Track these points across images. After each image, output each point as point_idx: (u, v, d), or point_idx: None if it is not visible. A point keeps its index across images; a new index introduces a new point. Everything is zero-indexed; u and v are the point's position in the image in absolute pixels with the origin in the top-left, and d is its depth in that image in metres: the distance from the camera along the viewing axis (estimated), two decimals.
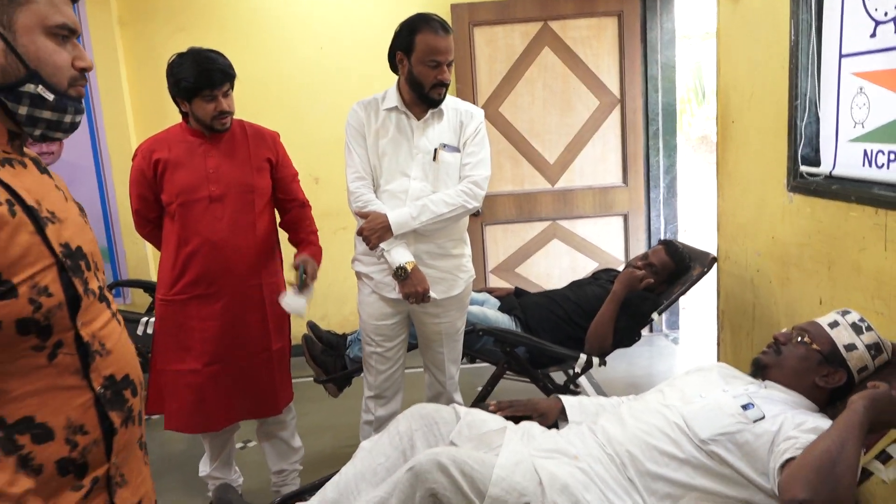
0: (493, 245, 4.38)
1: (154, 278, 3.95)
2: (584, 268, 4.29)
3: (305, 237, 2.52)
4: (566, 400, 2.02)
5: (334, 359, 2.93)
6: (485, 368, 3.30)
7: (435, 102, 2.29)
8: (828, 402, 1.79)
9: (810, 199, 2.43)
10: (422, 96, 2.27)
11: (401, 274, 2.25)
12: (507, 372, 2.90)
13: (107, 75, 4.10)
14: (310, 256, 2.47)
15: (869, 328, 1.76)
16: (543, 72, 4.18)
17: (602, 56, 4.18)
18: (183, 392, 2.34)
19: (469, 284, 2.50)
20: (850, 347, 1.73)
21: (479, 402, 2.85)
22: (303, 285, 2.34)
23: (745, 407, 1.66)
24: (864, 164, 2.06)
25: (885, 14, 1.96)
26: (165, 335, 2.39)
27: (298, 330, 2.97)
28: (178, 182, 2.32)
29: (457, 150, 2.34)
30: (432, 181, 2.32)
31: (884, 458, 1.59)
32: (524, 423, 1.94)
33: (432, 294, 2.31)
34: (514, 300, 3.14)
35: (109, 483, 1.08)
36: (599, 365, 2.80)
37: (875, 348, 1.74)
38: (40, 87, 1.02)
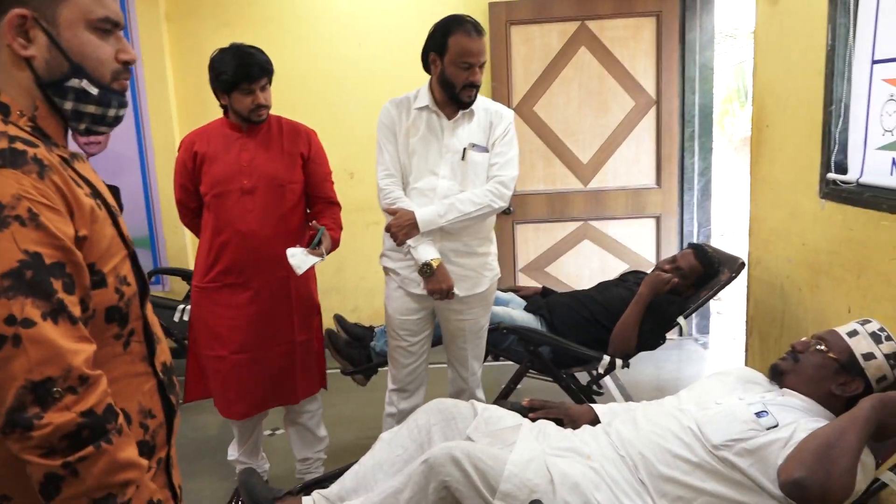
0: (524, 244, 4.40)
1: (192, 267, 4.08)
2: (614, 269, 4.27)
3: (327, 223, 2.53)
4: (598, 408, 2.04)
5: (359, 351, 2.99)
6: (510, 366, 3.32)
7: (465, 104, 2.33)
8: (844, 410, 1.77)
9: (842, 206, 2.40)
10: (453, 97, 2.30)
11: (426, 270, 2.29)
12: (531, 371, 2.92)
13: (153, 69, 4.23)
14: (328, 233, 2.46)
15: (889, 338, 1.74)
16: (579, 72, 4.18)
17: (639, 56, 4.15)
18: (212, 377, 2.44)
19: (494, 283, 2.54)
20: (869, 357, 1.72)
21: (501, 399, 2.88)
22: (313, 247, 2.31)
23: (758, 414, 1.66)
24: (892, 173, 2.03)
25: None
26: (198, 321, 2.49)
27: (331, 324, 3.04)
28: (213, 174, 2.41)
29: (485, 149, 2.37)
30: (460, 180, 2.35)
31: None
32: (540, 421, 1.97)
33: (457, 291, 2.35)
34: (540, 300, 3.16)
35: (168, 463, 1.14)
36: (622, 367, 2.80)
37: (894, 358, 1.73)
38: (84, 81, 1.02)
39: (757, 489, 1.60)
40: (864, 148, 2.19)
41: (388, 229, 2.36)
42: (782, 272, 2.89)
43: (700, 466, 1.65)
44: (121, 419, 0.95)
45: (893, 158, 2.02)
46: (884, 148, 2.09)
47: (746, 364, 3.30)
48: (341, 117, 4.30)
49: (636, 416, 1.86)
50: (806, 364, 1.80)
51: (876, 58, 2.10)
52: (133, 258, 1.08)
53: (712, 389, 1.88)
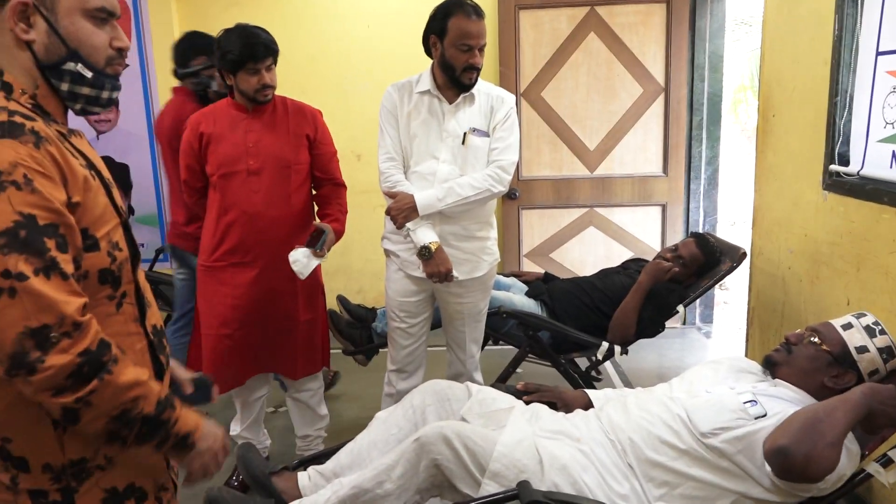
0: (529, 229, 4.41)
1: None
2: (619, 256, 4.27)
3: (332, 213, 2.59)
4: (592, 394, 2.07)
5: (360, 331, 3.03)
6: (510, 350, 3.35)
7: (466, 87, 2.34)
8: None
9: (844, 198, 2.40)
10: (453, 80, 2.32)
11: (425, 254, 2.31)
12: (530, 355, 2.95)
13: (162, 48, 4.23)
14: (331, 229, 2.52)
15: (883, 332, 1.75)
16: (588, 57, 4.16)
17: (648, 43, 4.13)
18: (208, 354, 2.48)
19: (493, 267, 2.55)
20: (862, 350, 1.73)
21: (499, 382, 2.91)
22: (317, 248, 2.33)
23: (748, 403, 1.68)
24: (892, 166, 2.02)
25: None
26: (204, 299, 2.53)
27: (334, 304, 3.08)
28: (219, 154, 2.43)
29: (486, 134, 2.39)
30: (461, 164, 2.37)
31: (884, 461, 1.59)
32: (534, 405, 2.00)
33: (456, 274, 2.37)
34: (541, 285, 3.17)
35: None
36: (621, 354, 2.82)
37: (887, 352, 1.74)
38: (79, 65, 1.09)
39: (744, 476, 1.63)
40: (866, 140, 2.18)
41: (388, 212, 2.38)
42: (784, 263, 2.89)
43: (687, 453, 1.67)
44: (114, 349, 1.04)
45: (894, 151, 2.02)
46: (885, 140, 2.08)
47: (746, 354, 3.32)
48: (349, 99, 4.31)
49: (627, 402, 1.88)
50: (799, 356, 1.81)
51: (880, 49, 2.09)
52: (126, 227, 1.16)
53: (704, 378, 1.90)
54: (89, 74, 1.11)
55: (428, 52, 2.38)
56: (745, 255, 2.91)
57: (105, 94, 1.15)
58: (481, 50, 2.29)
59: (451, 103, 2.37)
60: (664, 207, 4.32)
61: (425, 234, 2.32)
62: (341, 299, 3.14)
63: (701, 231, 4.03)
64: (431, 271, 2.33)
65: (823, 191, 2.53)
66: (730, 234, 5.97)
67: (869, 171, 2.18)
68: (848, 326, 1.78)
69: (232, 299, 2.45)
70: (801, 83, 2.72)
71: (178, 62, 3.04)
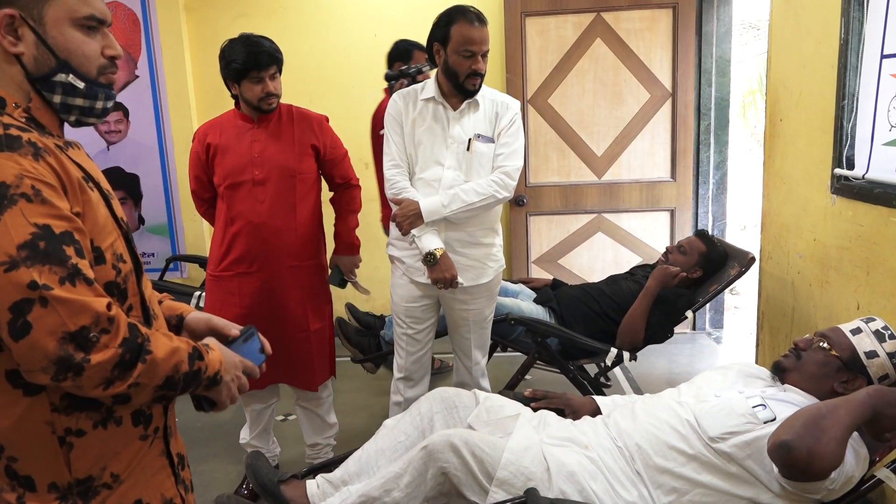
0: (537, 235, 4.41)
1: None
2: (627, 262, 4.27)
3: (343, 209, 2.69)
4: (600, 400, 2.07)
5: (368, 339, 3.04)
6: (519, 357, 3.35)
7: (470, 93, 2.35)
8: None
9: (852, 202, 2.39)
10: (457, 86, 2.33)
11: (430, 260, 2.32)
12: (538, 362, 2.95)
13: (172, 58, 4.30)
14: (341, 255, 2.68)
15: (892, 336, 1.74)
16: (594, 63, 4.16)
17: (655, 48, 4.13)
18: None
19: (499, 274, 2.56)
20: (871, 355, 1.72)
21: (507, 389, 2.91)
22: (343, 281, 2.58)
23: (757, 408, 1.67)
24: None
25: None
26: (211, 309, 2.54)
27: (341, 311, 3.09)
28: (226, 165, 2.45)
29: (491, 140, 2.40)
30: (465, 171, 2.38)
31: (894, 467, 1.58)
32: (542, 411, 2.00)
33: (461, 281, 2.37)
34: (549, 292, 3.17)
35: (166, 432, 1.21)
36: (630, 360, 2.81)
37: None
38: (71, 76, 1.07)
39: (753, 481, 1.62)
40: (871, 143, 2.18)
41: (393, 219, 2.40)
42: (793, 267, 2.88)
43: (696, 458, 1.66)
44: (142, 327, 1.06)
45: None
46: (890, 143, 2.07)
47: (757, 359, 3.30)
48: (357, 108, 4.32)
49: (635, 407, 1.88)
50: (808, 361, 1.80)
51: (885, 52, 2.08)
52: (127, 238, 1.15)
53: (712, 382, 1.89)
54: (81, 85, 1.09)
55: (432, 59, 2.40)
56: (753, 259, 2.90)
57: (99, 105, 1.13)
58: (484, 56, 2.30)
59: (455, 110, 2.39)
60: (672, 213, 4.31)
61: (430, 241, 2.33)
62: (350, 307, 3.15)
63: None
64: (437, 277, 2.34)
65: (832, 195, 2.52)
66: (740, 239, 5.95)
67: (874, 175, 2.17)
68: (857, 331, 1.77)
69: (240, 308, 2.47)
70: (807, 87, 2.71)
71: (388, 66, 3.47)
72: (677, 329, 2.96)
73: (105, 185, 1.16)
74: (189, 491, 1.28)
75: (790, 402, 1.72)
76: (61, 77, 1.07)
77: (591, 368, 3.09)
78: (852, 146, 2.38)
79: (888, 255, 2.20)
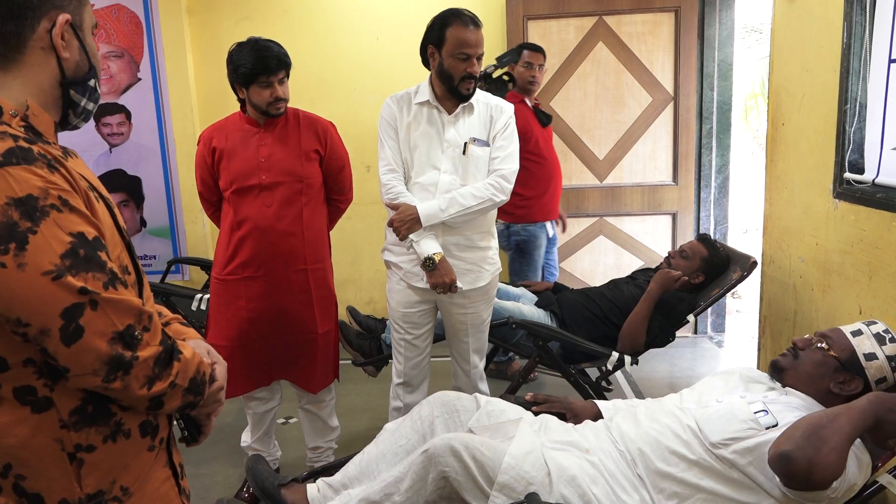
0: None
1: (211, 257, 4.15)
2: (629, 266, 4.27)
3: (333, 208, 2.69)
4: (602, 405, 2.06)
5: (370, 342, 3.03)
6: (521, 361, 3.36)
7: (464, 96, 2.35)
8: None
9: (855, 206, 2.38)
10: (452, 90, 2.33)
11: (429, 264, 2.32)
12: (540, 365, 2.94)
13: (174, 62, 4.30)
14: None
15: (893, 340, 1.74)
16: (596, 67, 4.17)
17: (657, 52, 4.13)
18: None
19: (495, 277, 2.56)
20: (870, 357, 1.72)
21: (509, 393, 2.90)
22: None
23: (758, 413, 1.67)
24: None
25: None
26: (216, 311, 2.54)
27: (342, 314, 3.09)
28: (232, 169, 2.45)
29: (486, 144, 2.39)
30: (461, 174, 2.37)
31: None
32: (543, 415, 1.99)
33: (459, 285, 2.37)
34: (551, 296, 3.17)
35: (169, 442, 1.21)
36: (631, 364, 2.81)
37: None
38: (94, 80, 1.12)
39: (755, 487, 1.61)
40: (881, 148, 2.17)
41: (390, 224, 2.39)
42: (795, 272, 2.87)
43: (697, 464, 1.66)
44: (167, 331, 1.09)
45: None
46: None
47: (759, 363, 3.29)
48: (359, 110, 4.33)
49: (637, 412, 1.87)
50: (805, 361, 1.80)
51: (893, 57, 2.08)
52: (129, 249, 1.14)
53: (714, 388, 1.89)
54: (98, 90, 1.15)
55: (425, 62, 2.40)
56: (755, 263, 2.90)
57: (93, 108, 1.17)
58: (479, 59, 2.30)
59: (450, 113, 2.39)
60: (674, 216, 4.30)
61: (429, 246, 2.33)
62: (351, 310, 3.15)
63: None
64: (435, 282, 2.33)
65: (834, 199, 2.51)
66: (742, 243, 5.95)
67: (884, 179, 2.16)
68: (858, 333, 1.77)
69: (246, 312, 2.47)
70: (810, 91, 2.70)
71: None
72: (679, 333, 2.96)
73: (106, 194, 1.16)
74: (188, 501, 1.28)
75: (792, 406, 1.71)
76: (92, 82, 1.12)
77: (593, 372, 3.09)
78: (856, 151, 2.37)
79: (891, 260, 2.19)
